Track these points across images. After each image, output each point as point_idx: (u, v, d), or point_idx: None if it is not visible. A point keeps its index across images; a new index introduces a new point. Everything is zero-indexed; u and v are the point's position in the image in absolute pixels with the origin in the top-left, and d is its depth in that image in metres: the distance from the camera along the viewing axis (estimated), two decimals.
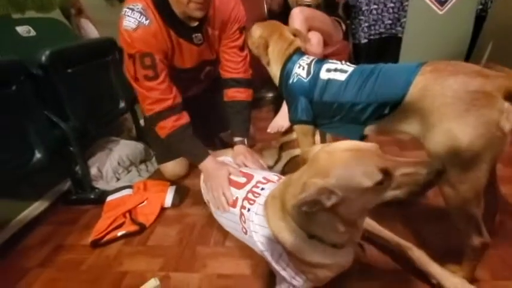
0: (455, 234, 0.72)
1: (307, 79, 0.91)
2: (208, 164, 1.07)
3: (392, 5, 1.76)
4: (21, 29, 1.28)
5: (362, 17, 1.81)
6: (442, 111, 0.64)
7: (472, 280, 0.73)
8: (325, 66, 0.90)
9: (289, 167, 1.34)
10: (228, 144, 1.30)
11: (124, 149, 1.53)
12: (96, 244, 1.07)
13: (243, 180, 0.93)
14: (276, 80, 1.05)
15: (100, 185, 1.40)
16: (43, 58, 1.12)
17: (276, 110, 1.71)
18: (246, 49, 1.23)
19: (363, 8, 1.79)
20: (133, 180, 1.43)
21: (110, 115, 1.52)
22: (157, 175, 1.45)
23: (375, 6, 1.78)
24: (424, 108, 0.68)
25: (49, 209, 1.35)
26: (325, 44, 1.61)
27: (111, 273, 0.95)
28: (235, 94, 1.24)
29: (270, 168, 1.31)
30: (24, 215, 1.27)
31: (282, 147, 1.49)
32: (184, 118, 1.11)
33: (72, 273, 0.98)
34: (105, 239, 1.08)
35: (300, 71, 0.94)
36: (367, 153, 0.53)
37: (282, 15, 1.58)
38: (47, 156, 1.13)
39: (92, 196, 1.34)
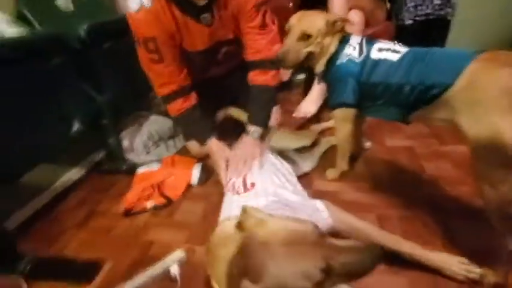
0: (487, 236, 0.68)
1: (360, 59, 0.87)
2: (210, 146, 1.13)
3: None
4: (61, 3, 1.31)
5: None
6: (488, 104, 0.61)
7: (504, 285, 0.69)
8: (377, 45, 0.86)
9: (327, 156, 1.26)
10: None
11: (153, 124, 1.57)
12: (127, 213, 1.13)
13: None
14: (320, 66, 0.96)
15: (131, 157, 1.46)
16: (82, 32, 1.15)
17: (305, 94, 1.65)
18: (270, 25, 1.13)
19: None
20: (161, 155, 1.47)
21: (142, 90, 1.55)
22: (185, 152, 1.48)
23: None
24: (471, 98, 0.64)
25: (84, 176, 1.44)
26: (367, 24, 1.49)
27: (140, 241, 1.00)
28: (254, 77, 1.16)
29: (305, 148, 1.24)
30: (62, 180, 1.37)
31: (322, 133, 1.43)
32: (190, 100, 1.15)
33: (104, 237, 1.05)
34: (136, 209, 1.14)
35: (351, 51, 0.89)
36: (306, 247, 0.46)
37: None
38: (84, 128, 1.19)
39: (124, 167, 1.41)
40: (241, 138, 1.12)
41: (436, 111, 0.74)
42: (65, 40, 1.13)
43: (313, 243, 0.46)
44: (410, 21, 1.71)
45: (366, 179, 1.11)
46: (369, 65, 0.85)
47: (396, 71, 0.79)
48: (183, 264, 0.86)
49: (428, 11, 1.67)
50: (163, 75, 1.09)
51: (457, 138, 0.68)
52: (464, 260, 0.74)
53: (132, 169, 1.36)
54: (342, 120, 0.98)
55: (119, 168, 1.41)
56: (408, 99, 0.78)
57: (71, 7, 1.34)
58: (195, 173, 1.26)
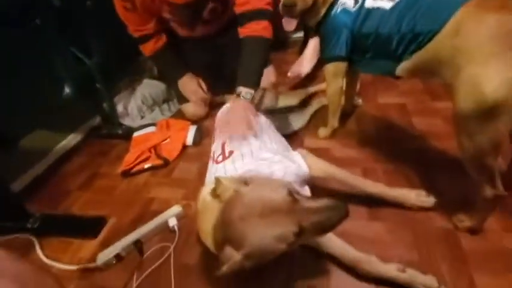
0: (466, 185, 0.72)
1: (355, 9, 0.83)
2: (184, 81, 1.34)
3: None
4: None
5: None
6: (471, 52, 0.58)
7: (478, 229, 0.74)
8: None
9: (319, 115, 1.27)
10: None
11: (147, 88, 1.56)
12: (126, 174, 1.19)
13: None
14: (319, 17, 0.92)
15: (126, 121, 1.48)
16: None
17: (301, 53, 1.60)
18: None
19: None
20: (156, 118, 1.49)
21: (132, 53, 1.51)
22: (179, 115, 1.49)
23: None
24: (455, 47, 0.61)
25: (83, 141, 1.48)
26: None
27: (141, 198, 1.06)
28: (244, 30, 1.05)
29: (295, 107, 1.25)
30: (62, 144, 1.41)
31: (316, 94, 1.40)
32: (161, 40, 1.27)
33: (107, 196, 1.11)
34: (134, 170, 1.19)
35: (346, 0, 0.85)
36: (280, 216, 0.51)
37: None
38: (75, 91, 1.19)
39: (120, 132, 1.43)
40: (231, 101, 1.03)
41: (424, 63, 0.72)
42: None
43: (286, 211, 0.51)
44: None
45: (355, 136, 1.13)
46: (363, 14, 0.81)
47: (387, 20, 0.76)
48: (181, 218, 0.93)
49: None
50: (135, 22, 1.18)
51: (448, 93, 0.67)
52: (421, 192, 0.82)
53: (128, 133, 1.39)
54: (332, 75, 0.97)
55: (116, 133, 1.44)
56: (396, 50, 0.75)
57: None
58: (190, 134, 1.29)
